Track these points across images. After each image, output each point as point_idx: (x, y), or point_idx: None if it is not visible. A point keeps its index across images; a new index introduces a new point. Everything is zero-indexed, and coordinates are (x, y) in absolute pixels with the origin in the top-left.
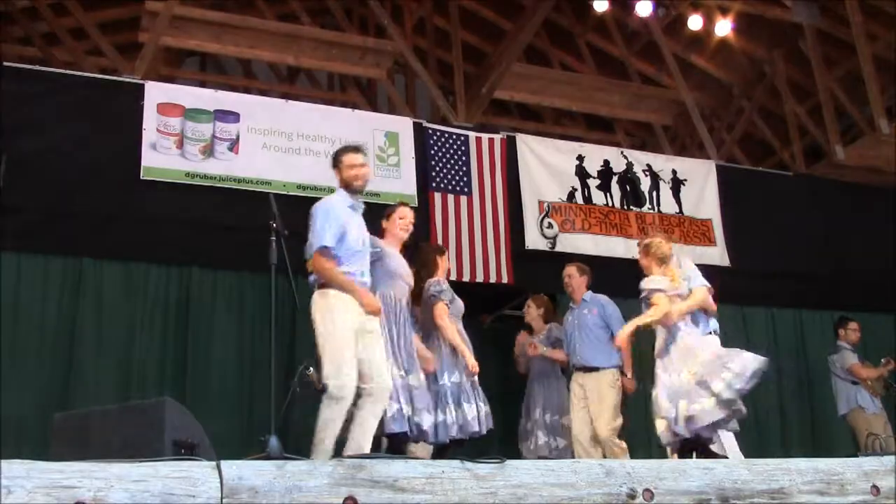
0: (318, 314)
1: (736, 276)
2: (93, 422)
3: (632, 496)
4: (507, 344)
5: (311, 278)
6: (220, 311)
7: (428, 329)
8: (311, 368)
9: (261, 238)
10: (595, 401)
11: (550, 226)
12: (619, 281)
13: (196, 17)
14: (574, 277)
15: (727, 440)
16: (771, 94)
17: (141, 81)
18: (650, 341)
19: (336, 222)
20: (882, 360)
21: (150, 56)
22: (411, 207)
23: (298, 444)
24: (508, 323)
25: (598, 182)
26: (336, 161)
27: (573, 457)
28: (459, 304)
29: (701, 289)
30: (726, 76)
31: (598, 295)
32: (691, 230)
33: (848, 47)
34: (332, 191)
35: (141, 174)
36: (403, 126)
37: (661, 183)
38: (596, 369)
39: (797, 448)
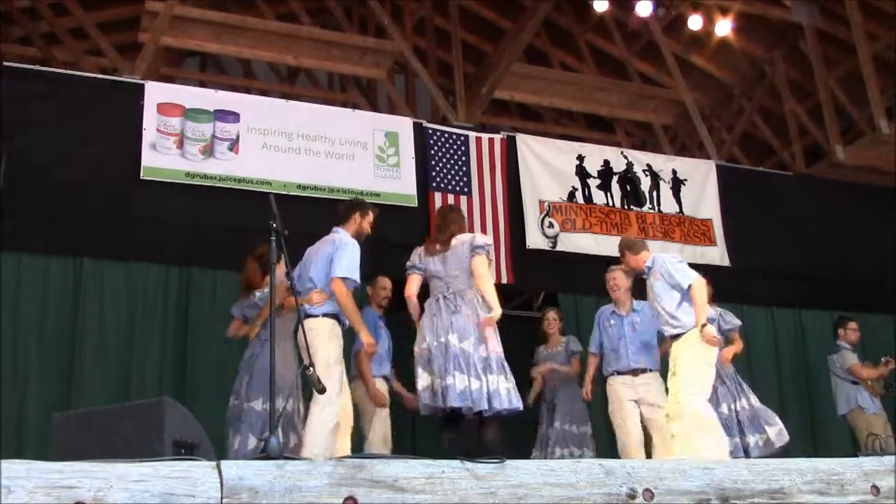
0: (327, 341)
1: (736, 276)
2: (93, 422)
3: (632, 496)
4: (507, 344)
5: (314, 309)
6: (220, 311)
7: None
8: (312, 369)
9: (261, 238)
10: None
11: (551, 225)
12: None
13: (196, 17)
14: (620, 279)
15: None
16: (771, 94)
17: (141, 81)
18: None
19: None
20: (882, 360)
21: (150, 56)
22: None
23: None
24: (509, 323)
25: (598, 182)
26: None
27: None
28: None
29: None
30: (726, 76)
31: (644, 301)
32: (692, 230)
33: (848, 47)
34: (331, 191)
35: (141, 174)
36: (403, 126)
37: (662, 183)
38: (644, 370)
39: (797, 448)
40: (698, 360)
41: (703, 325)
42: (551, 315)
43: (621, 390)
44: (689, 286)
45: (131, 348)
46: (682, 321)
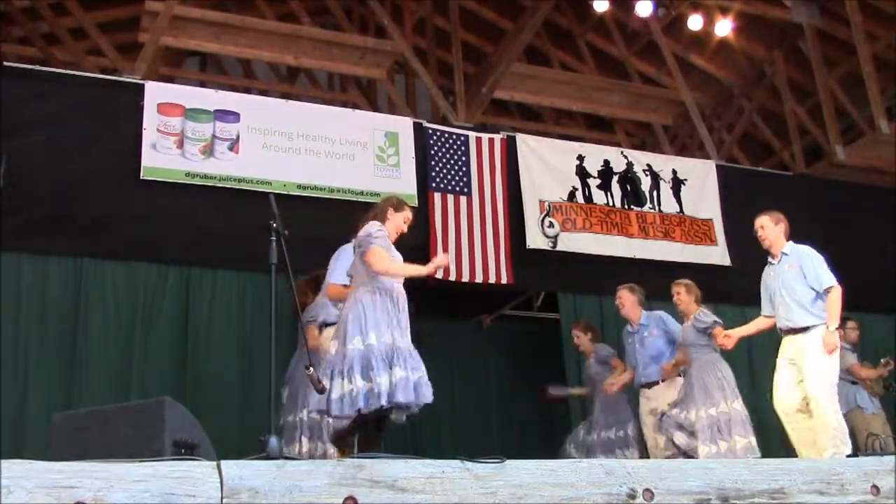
0: None
1: (737, 276)
2: (93, 422)
3: (632, 496)
4: (507, 344)
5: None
6: (220, 311)
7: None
8: (311, 369)
9: (261, 238)
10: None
11: (552, 225)
12: (620, 279)
13: (196, 17)
14: (625, 297)
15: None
16: (771, 94)
17: (141, 81)
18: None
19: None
20: (882, 361)
21: (150, 56)
22: (411, 207)
23: None
24: (509, 323)
25: (598, 182)
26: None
27: None
28: (398, 257)
29: None
30: (726, 76)
31: (653, 313)
32: (692, 230)
33: (848, 47)
34: (331, 191)
35: (141, 174)
36: (403, 126)
37: (662, 183)
38: (656, 383)
39: None
40: (833, 365)
41: (835, 331)
42: (574, 332)
43: (643, 403)
44: (830, 288)
45: (131, 348)
46: (820, 314)
